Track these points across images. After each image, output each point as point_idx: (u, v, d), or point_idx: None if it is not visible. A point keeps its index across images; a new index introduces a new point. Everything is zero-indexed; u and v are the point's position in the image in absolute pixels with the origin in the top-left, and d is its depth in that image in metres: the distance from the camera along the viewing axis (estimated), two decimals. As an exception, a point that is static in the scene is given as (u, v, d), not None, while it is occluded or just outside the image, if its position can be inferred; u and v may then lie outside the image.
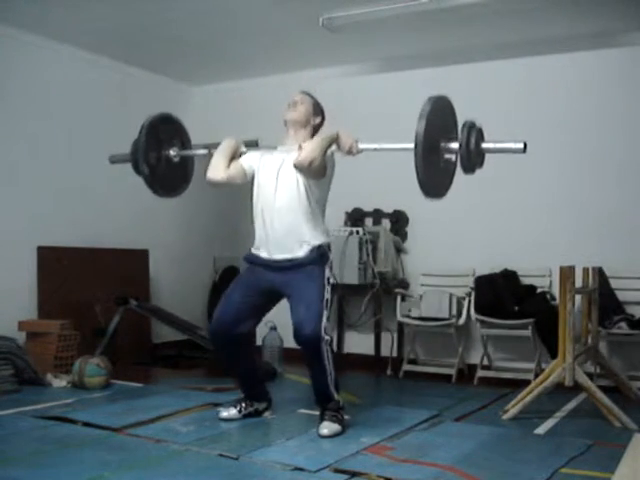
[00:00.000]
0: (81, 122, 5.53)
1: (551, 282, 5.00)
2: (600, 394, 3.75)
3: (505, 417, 3.85)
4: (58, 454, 3.00)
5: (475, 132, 3.12)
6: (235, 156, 3.70)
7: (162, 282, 6.18)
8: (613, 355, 4.82)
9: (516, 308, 4.93)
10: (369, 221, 5.79)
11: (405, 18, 4.62)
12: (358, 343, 5.70)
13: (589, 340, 4.30)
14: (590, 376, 4.10)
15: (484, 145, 3.15)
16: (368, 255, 5.29)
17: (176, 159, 3.98)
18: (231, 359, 3.65)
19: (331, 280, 3.53)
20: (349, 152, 3.47)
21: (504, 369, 5.08)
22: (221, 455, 3.02)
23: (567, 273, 3.75)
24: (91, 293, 5.32)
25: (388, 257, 5.40)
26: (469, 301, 5.15)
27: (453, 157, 3.21)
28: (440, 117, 3.14)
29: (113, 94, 5.82)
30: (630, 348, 4.77)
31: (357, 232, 5.32)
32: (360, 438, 3.30)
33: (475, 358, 5.20)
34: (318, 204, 3.53)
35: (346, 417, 3.55)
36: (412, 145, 3.03)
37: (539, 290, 5.03)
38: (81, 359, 4.49)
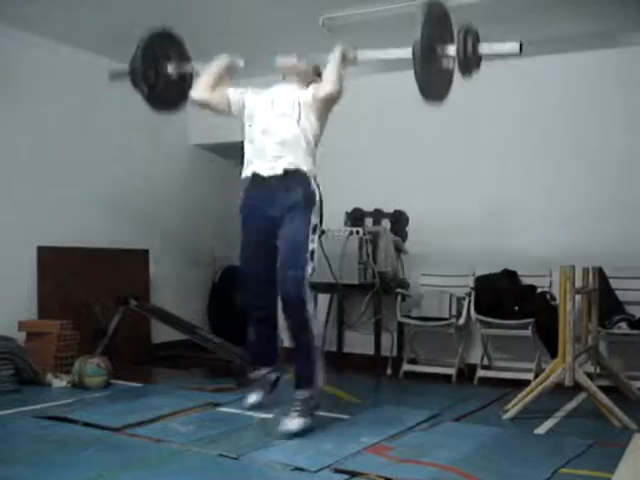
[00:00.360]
0: (81, 122, 5.53)
1: (551, 282, 5.00)
2: (600, 394, 3.75)
3: (505, 417, 3.85)
4: (58, 454, 3.00)
5: (471, 35, 3.20)
6: (229, 74, 3.71)
7: (162, 282, 6.18)
8: (613, 355, 4.82)
9: (516, 308, 4.93)
10: (369, 221, 5.78)
11: (405, 18, 4.61)
12: (358, 343, 5.70)
13: (589, 340, 4.30)
14: (590, 376, 4.10)
15: (480, 48, 3.24)
16: (368, 255, 5.29)
17: (174, 75, 3.99)
18: (264, 312, 3.59)
19: (317, 224, 3.44)
20: (353, 61, 3.49)
21: (504, 369, 5.07)
22: (221, 455, 3.02)
23: (567, 273, 3.75)
24: (91, 293, 5.32)
25: (388, 257, 5.40)
26: (469, 301, 5.15)
27: (451, 61, 3.29)
28: (436, 22, 3.21)
29: (113, 94, 5.81)
30: (630, 348, 4.77)
31: (357, 232, 5.32)
32: (360, 438, 3.29)
33: (475, 358, 5.20)
34: (312, 137, 3.47)
35: (317, 413, 3.45)
36: (410, 51, 3.09)
37: (539, 290, 5.03)
38: (81, 359, 4.50)
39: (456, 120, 5.46)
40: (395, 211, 5.68)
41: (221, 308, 6.63)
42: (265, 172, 3.44)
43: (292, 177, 3.41)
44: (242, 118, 3.61)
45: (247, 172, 3.52)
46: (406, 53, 3.11)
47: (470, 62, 3.24)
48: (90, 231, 5.50)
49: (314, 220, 3.42)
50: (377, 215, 5.76)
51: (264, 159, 3.45)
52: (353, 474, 2.79)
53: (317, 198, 3.47)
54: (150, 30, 3.90)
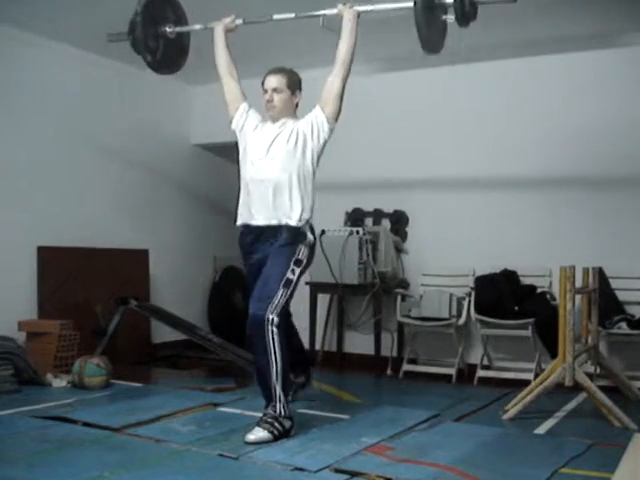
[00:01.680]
0: (81, 122, 5.53)
1: (551, 282, 5.00)
2: (600, 394, 3.75)
3: (505, 417, 3.85)
4: (58, 454, 3.00)
5: None
6: (231, 30, 3.91)
7: (162, 282, 6.18)
8: (613, 355, 4.82)
9: (516, 308, 4.93)
10: (369, 221, 5.78)
11: (405, 18, 4.61)
12: (358, 343, 5.70)
13: (589, 340, 4.30)
14: (590, 376, 4.09)
15: None
16: (368, 255, 5.29)
17: (172, 35, 4.03)
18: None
19: (303, 260, 3.44)
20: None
21: (504, 369, 5.07)
22: (221, 455, 3.02)
23: (567, 273, 3.75)
24: (91, 293, 5.32)
25: (388, 257, 5.40)
26: (469, 301, 5.15)
27: (446, 14, 3.43)
28: None
29: (113, 94, 5.83)
30: (630, 348, 4.76)
31: (357, 232, 5.32)
32: (360, 438, 3.29)
33: (475, 358, 5.20)
34: (306, 178, 3.49)
35: (288, 426, 3.29)
36: (410, 4, 3.28)
37: (539, 290, 5.03)
38: (81, 359, 4.49)
39: (456, 120, 5.47)
40: (395, 211, 5.68)
41: (221, 308, 6.64)
42: (255, 222, 3.50)
43: (281, 228, 3.44)
44: (237, 138, 3.68)
45: (239, 221, 3.59)
46: (408, 5, 3.31)
47: (467, 12, 3.35)
48: (90, 231, 5.49)
49: (301, 255, 3.43)
50: (377, 215, 5.76)
51: (255, 209, 3.49)
52: (353, 474, 2.79)
53: (307, 239, 3.47)
54: None
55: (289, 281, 3.36)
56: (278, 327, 3.25)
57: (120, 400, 4.11)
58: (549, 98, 5.18)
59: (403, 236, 5.65)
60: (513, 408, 3.87)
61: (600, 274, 4.47)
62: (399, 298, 5.33)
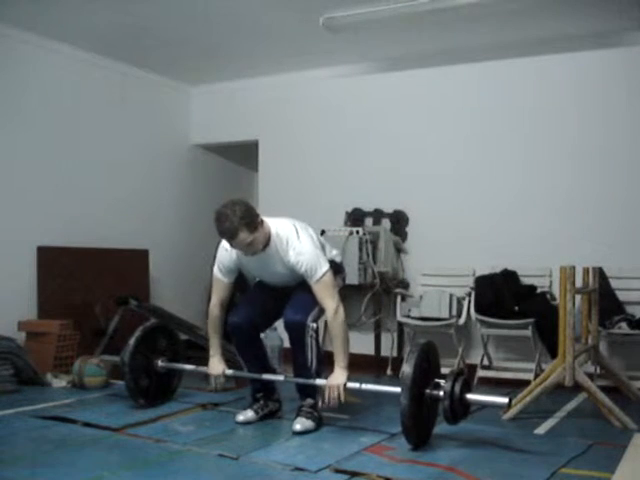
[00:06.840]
0: (81, 121, 5.53)
1: (551, 282, 5.00)
2: (600, 394, 3.75)
3: (505, 417, 3.85)
4: (58, 454, 3.00)
5: (460, 382, 3.15)
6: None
7: (162, 282, 6.18)
8: (613, 355, 4.82)
9: (516, 308, 4.93)
10: (369, 221, 5.78)
11: (405, 18, 4.62)
12: (358, 343, 5.68)
13: (589, 340, 4.29)
14: (590, 376, 4.09)
15: (469, 396, 3.17)
16: (368, 255, 5.29)
17: (163, 370, 4.04)
18: (253, 354, 3.74)
19: (339, 283, 3.63)
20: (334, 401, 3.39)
21: (504, 369, 5.07)
22: (221, 455, 3.02)
23: (567, 273, 3.75)
24: (91, 293, 5.32)
25: (388, 257, 5.40)
26: (469, 301, 5.14)
27: (436, 405, 3.22)
28: (425, 361, 3.18)
29: (113, 94, 5.83)
30: (630, 348, 4.77)
31: (357, 232, 5.32)
32: (360, 438, 3.30)
33: (475, 358, 5.20)
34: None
35: (321, 414, 3.55)
36: (398, 389, 3.09)
37: (539, 290, 5.03)
38: (81, 359, 4.50)
39: (457, 120, 5.47)
40: (395, 211, 5.67)
41: (221, 308, 6.62)
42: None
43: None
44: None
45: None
46: (395, 390, 3.15)
47: (456, 411, 3.15)
48: (90, 231, 5.50)
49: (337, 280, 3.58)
50: (377, 215, 5.75)
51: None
52: (353, 474, 2.79)
53: (335, 267, 3.57)
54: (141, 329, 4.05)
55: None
56: (316, 332, 3.46)
57: (120, 400, 4.10)
58: (550, 97, 5.18)
59: (403, 236, 5.65)
60: (513, 408, 3.87)
61: (600, 274, 4.47)
62: (399, 298, 5.33)
